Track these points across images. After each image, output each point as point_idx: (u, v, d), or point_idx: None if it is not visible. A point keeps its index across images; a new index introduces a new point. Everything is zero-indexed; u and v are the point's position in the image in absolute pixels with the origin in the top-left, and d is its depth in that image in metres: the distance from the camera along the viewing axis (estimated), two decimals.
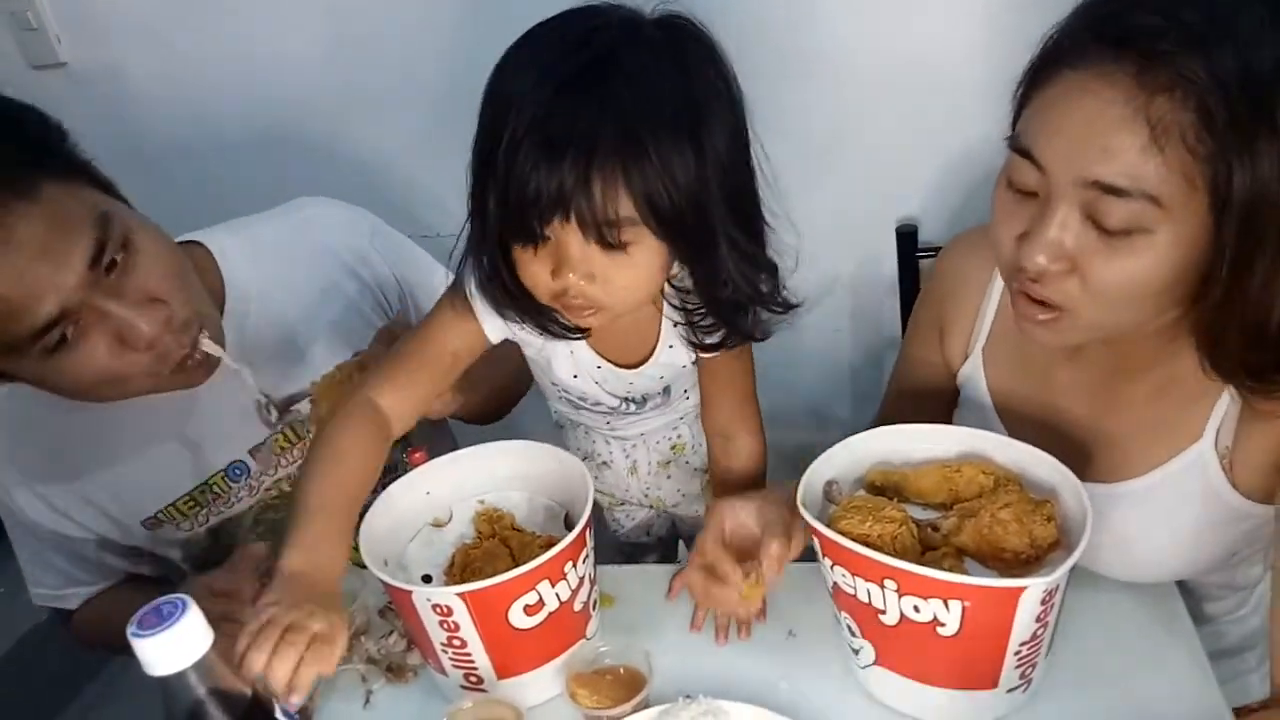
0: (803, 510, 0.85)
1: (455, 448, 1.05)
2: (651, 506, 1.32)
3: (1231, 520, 0.91)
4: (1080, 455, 0.95)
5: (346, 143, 1.66)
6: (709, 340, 1.01)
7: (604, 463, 1.28)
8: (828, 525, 0.85)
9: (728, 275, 0.91)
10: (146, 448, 1.13)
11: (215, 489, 1.17)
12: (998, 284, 1.03)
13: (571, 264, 0.86)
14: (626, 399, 1.13)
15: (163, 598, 0.65)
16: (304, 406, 1.19)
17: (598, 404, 1.14)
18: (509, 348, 1.33)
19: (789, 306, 0.98)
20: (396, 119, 1.64)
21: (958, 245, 1.10)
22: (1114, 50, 0.74)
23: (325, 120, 1.65)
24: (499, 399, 1.31)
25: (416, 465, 1.04)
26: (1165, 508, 0.92)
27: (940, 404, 1.12)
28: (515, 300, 0.94)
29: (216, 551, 1.19)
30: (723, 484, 1.17)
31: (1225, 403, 0.89)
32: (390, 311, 1.27)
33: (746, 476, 1.15)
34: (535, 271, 0.89)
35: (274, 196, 1.28)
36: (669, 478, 1.28)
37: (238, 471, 1.17)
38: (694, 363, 1.09)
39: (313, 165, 1.65)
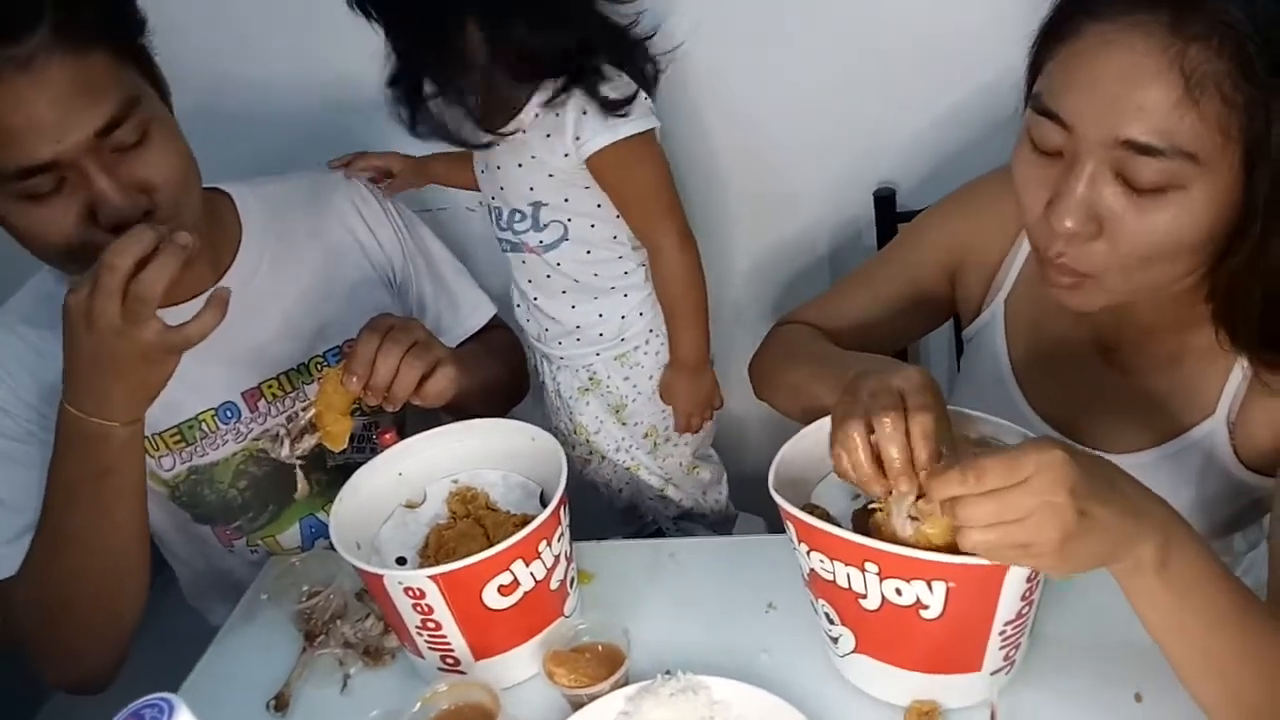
0: (775, 496, 0.82)
1: None
2: (575, 432, 1.43)
3: (1236, 494, 0.90)
4: (1089, 422, 0.94)
5: (332, 119, 1.63)
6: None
7: (542, 383, 1.45)
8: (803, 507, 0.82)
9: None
10: None
11: (204, 426, 1.16)
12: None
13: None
14: (515, 210, 1.29)
15: (143, 700, 0.59)
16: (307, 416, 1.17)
17: (499, 214, 1.32)
18: (505, 338, 1.36)
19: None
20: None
21: (994, 184, 1.03)
22: None
23: (311, 97, 1.61)
24: (493, 395, 1.32)
25: (387, 446, 1.02)
26: (1170, 483, 0.90)
27: (908, 328, 1.11)
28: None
29: (200, 500, 1.18)
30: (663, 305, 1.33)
31: (1237, 378, 0.87)
32: (394, 283, 1.28)
33: (672, 294, 1.29)
34: None
35: (255, 169, 1.27)
36: (588, 404, 1.41)
37: (229, 414, 1.17)
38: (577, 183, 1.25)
39: (297, 140, 1.62)
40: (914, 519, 0.76)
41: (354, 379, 0.99)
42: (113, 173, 0.94)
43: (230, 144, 1.14)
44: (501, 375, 1.38)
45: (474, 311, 1.35)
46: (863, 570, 0.78)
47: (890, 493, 0.77)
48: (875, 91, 1.47)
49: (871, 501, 0.81)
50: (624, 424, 1.40)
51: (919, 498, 0.76)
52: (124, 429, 0.94)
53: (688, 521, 1.52)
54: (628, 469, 1.42)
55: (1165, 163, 0.72)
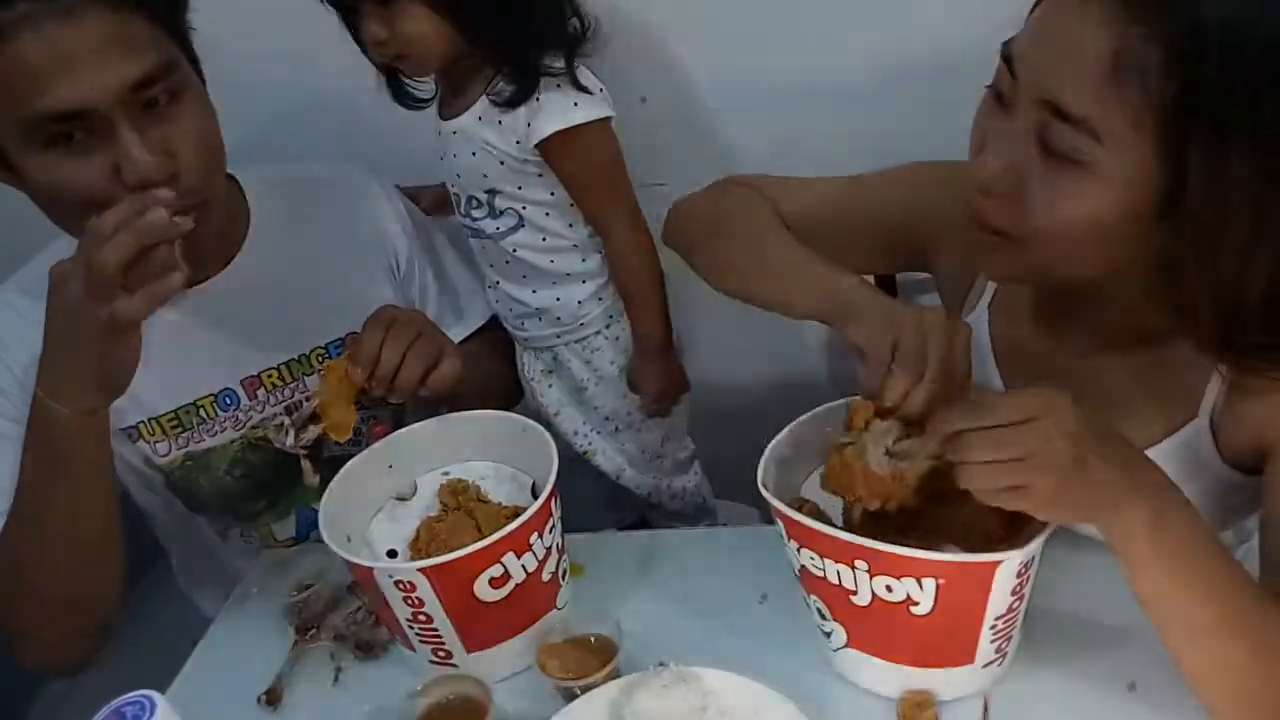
0: (765, 493, 0.81)
1: None
2: (538, 414, 1.44)
3: (1226, 493, 0.90)
4: None
5: (316, 93, 1.61)
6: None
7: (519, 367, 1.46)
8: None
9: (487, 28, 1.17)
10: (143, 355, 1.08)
11: (203, 412, 1.15)
12: None
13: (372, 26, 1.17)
14: (472, 198, 1.30)
15: (124, 698, 0.59)
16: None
17: (458, 201, 1.33)
18: (506, 337, 1.39)
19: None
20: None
21: None
22: None
23: (294, 71, 1.60)
24: (492, 394, 1.33)
25: (378, 438, 1.02)
26: None
27: (860, 251, 1.08)
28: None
29: (195, 487, 1.18)
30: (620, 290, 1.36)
31: (1217, 380, 0.86)
32: (398, 278, 1.28)
33: (626, 275, 1.32)
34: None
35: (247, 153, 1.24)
36: (550, 387, 1.42)
37: (228, 400, 1.16)
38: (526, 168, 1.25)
39: (281, 117, 1.60)
40: (890, 455, 0.77)
41: (359, 369, 0.99)
42: (141, 131, 0.94)
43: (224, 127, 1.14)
44: (501, 373, 1.39)
45: (476, 310, 1.35)
46: (852, 567, 0.78)
47: (866, 426, 0.78)
48: (877, 89, 1.47)
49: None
50: (584, 406, 1.41)
51: (899, 439, 0.76)
52: (76, 419, 0.93)
53: (662, 516, 1.52)
54: (583, 454, 1.43)
55: (1075, 135, 0.72)
